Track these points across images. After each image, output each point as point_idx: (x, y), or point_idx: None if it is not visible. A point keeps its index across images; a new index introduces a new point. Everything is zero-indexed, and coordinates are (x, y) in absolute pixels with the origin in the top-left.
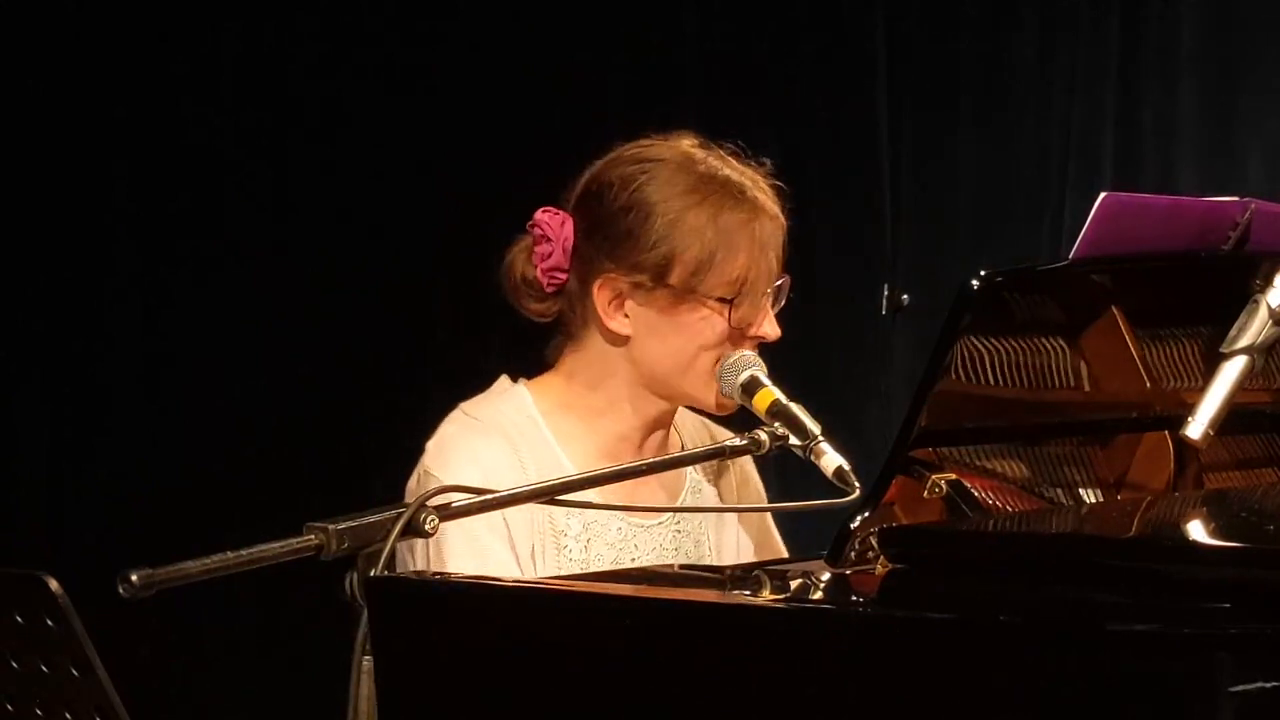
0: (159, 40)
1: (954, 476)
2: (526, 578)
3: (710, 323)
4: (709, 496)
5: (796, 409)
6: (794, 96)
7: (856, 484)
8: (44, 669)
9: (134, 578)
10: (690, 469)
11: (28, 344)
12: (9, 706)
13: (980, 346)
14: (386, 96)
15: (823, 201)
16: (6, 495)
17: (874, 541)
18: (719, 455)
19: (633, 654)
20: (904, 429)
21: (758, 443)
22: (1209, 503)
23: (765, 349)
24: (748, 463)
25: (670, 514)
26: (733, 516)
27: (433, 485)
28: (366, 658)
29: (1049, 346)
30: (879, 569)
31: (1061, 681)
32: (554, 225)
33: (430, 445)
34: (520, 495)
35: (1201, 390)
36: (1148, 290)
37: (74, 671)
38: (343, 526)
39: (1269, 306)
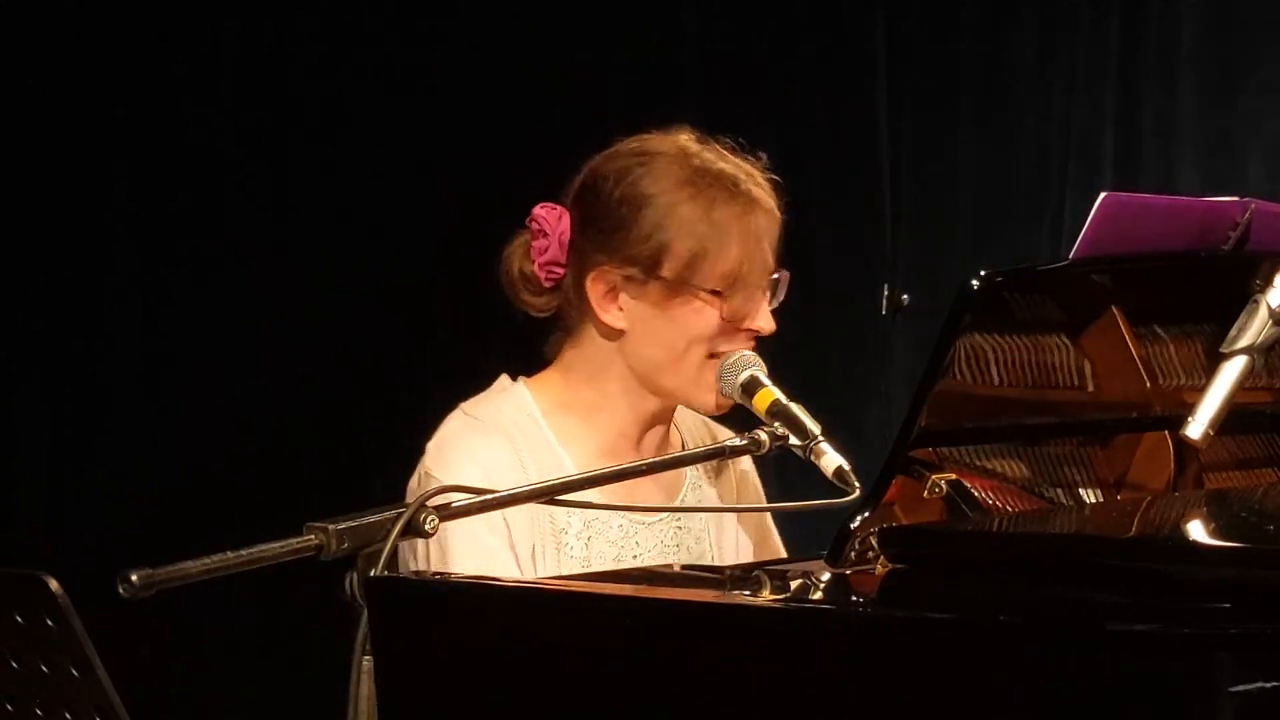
0: (159, 40)
1: (954, 476)
2: (527, 577)
3: (703, 315)
4: (709, 494)
5: (796, 409)
6: (794, 96)
7: (856, 484)
8: (44, 669)
9: (134, 578)
10: (690, 466)
11: (28, 344)
12: (9, 706)
13: (980, 346)
14: (386, 96)
15: (823, 201)
16: (6, 495)
17: (874, 541)
18: (719, 455)
19: (633, 654)
20: (904, 429)
21: (758, 443)
22: (1209, 503)
23: (765, 349)
24: (746, 461)
25: (671, 510)
26: (732, 515)
27: (433, 485)
28: (366, 658)
29: (1049, 346)
30: (879, 569)
31: (1061, 681)
32: (551, 220)
33: (430, 445)
34: (520, 495)
35: (1201, 390)
36: (1148, 290)
37: (74, 671)
38: (343, 526)
39: (1269, 306)
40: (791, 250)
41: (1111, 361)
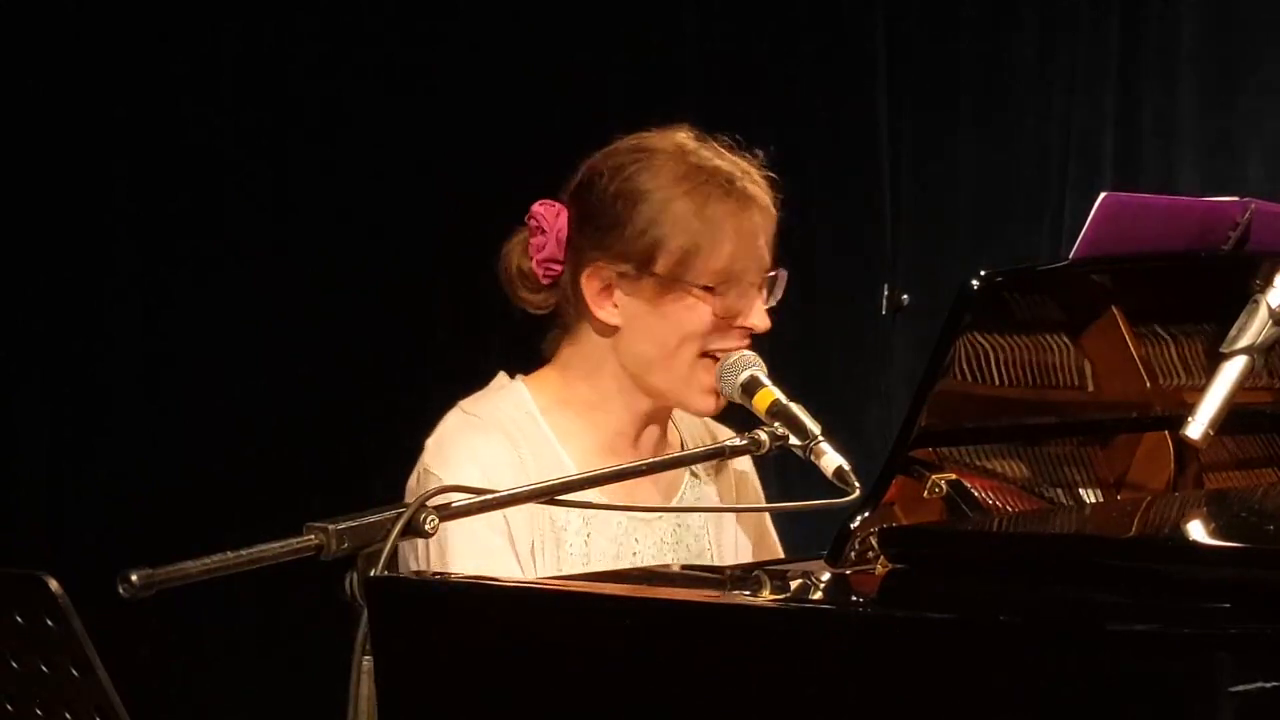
0: (159, 40)
1: (954, 476)
2: (527, 576)
3: (695, 312)
4: (708, 492)
5: (796, 409)
6: (794, 96)
7: (856, 484)
8: (44, 669)
9: (134, 578)
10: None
11: (28, 344)
12: (9, 706)
13: (980, 346)
14: (386, 96)
15: (823, 201)
16: (6, 495)
17: (874, 541)
18: (719, 455)
19: (633, 654)
20: (904, 429)
21: (758, 443)
22: (1209, 503)
23: (765, 349)
24: (745, 461)
25: (671, 510)
26: (731, 514)
27: (433, 483)
28: (366, 658)
29: (1049, 346)
30: (879, 569)
31: (1061, 681)
32: (549, 216)
33: (429, 443)
34: (520, 495)
35: (1201, 390)
36: (1148, 290)
37: (74, 671)
38: (343, 526)
39: (1269, 306)
40: (791, 250)
41: (1111, 361)
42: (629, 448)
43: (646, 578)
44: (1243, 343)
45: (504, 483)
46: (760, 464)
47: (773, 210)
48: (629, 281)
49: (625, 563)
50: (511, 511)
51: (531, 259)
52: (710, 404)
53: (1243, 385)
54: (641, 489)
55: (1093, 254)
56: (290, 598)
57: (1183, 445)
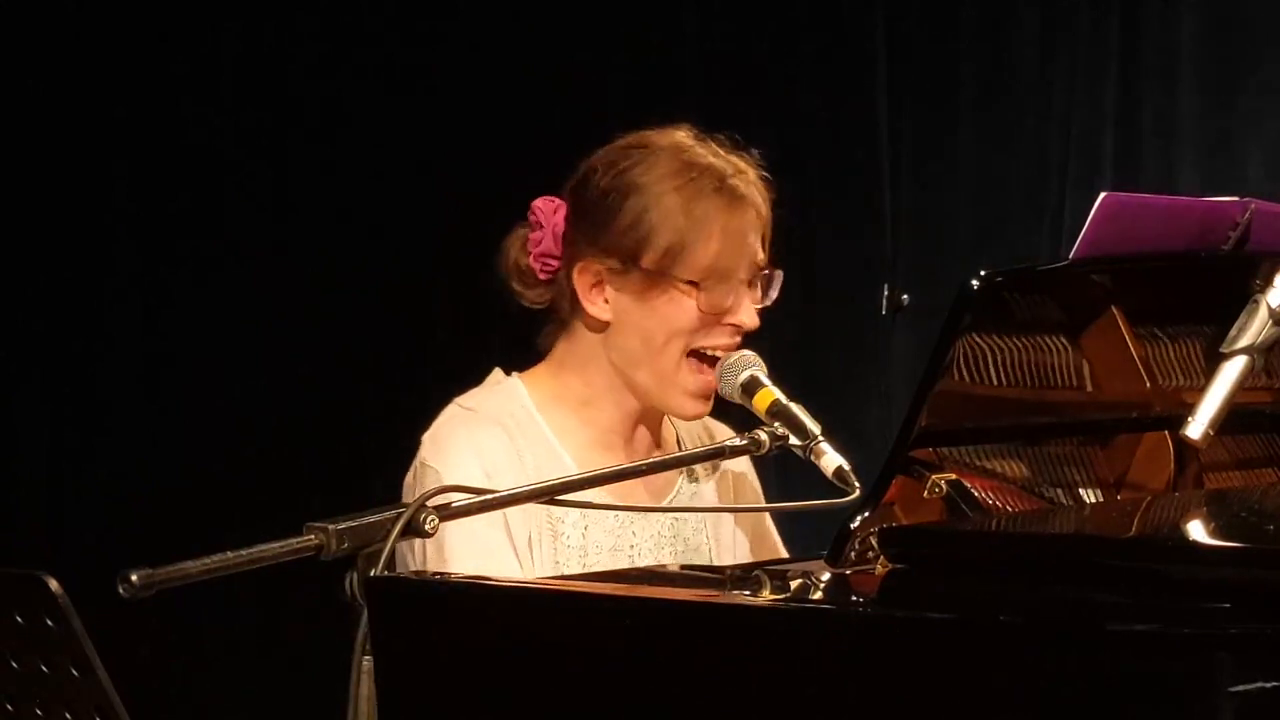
0: (159, 40)
1: (954, 476)
2: (524, 569)
3: (681, 306)
4: (704, 489)
5: (796, 409)
6: (794, 96)
7: (856, 484)
8: (44, 669)
9: (134, 578)
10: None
11: (28, 344)
12: (9, 706)
13: (980, 346)
14: (386, 96)
15: (823, 201)
16: (6, 495)
17: (874, 541)
18: (719, 455)
19: (633, 654)
20: (904, 429)
21: (758, 443)
22: (1209, 503)
23: (765, 349)
24: (744, 462)
25: (668, 501)
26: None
27: (430, 477)
28: (366, 658)
29: (1049, 346)
30: (879, 569)
31: (1061, 681)
32: (547, 212)
33: (426, 437)
34: (520, 495)
35: (1201, 390)
36: (1148, 290)
37: (74, 671)
38: (343, 526)
39: (1269, 306)
40: (791, 250)
41: (1111, 361)
42: (624, 445)
43: (646, 578)
44: (1243, 343)
45: (502, 475)
46: (760, 464)
47: (765, 209)
48: (618, 276)
49: (623, 556)
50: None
51: (529, 254)
52: (692, 408)
53: (1243, 385)
54: (634, 486)
55: (1093, 254)
56: (290, 598)
57: (1183, 445)
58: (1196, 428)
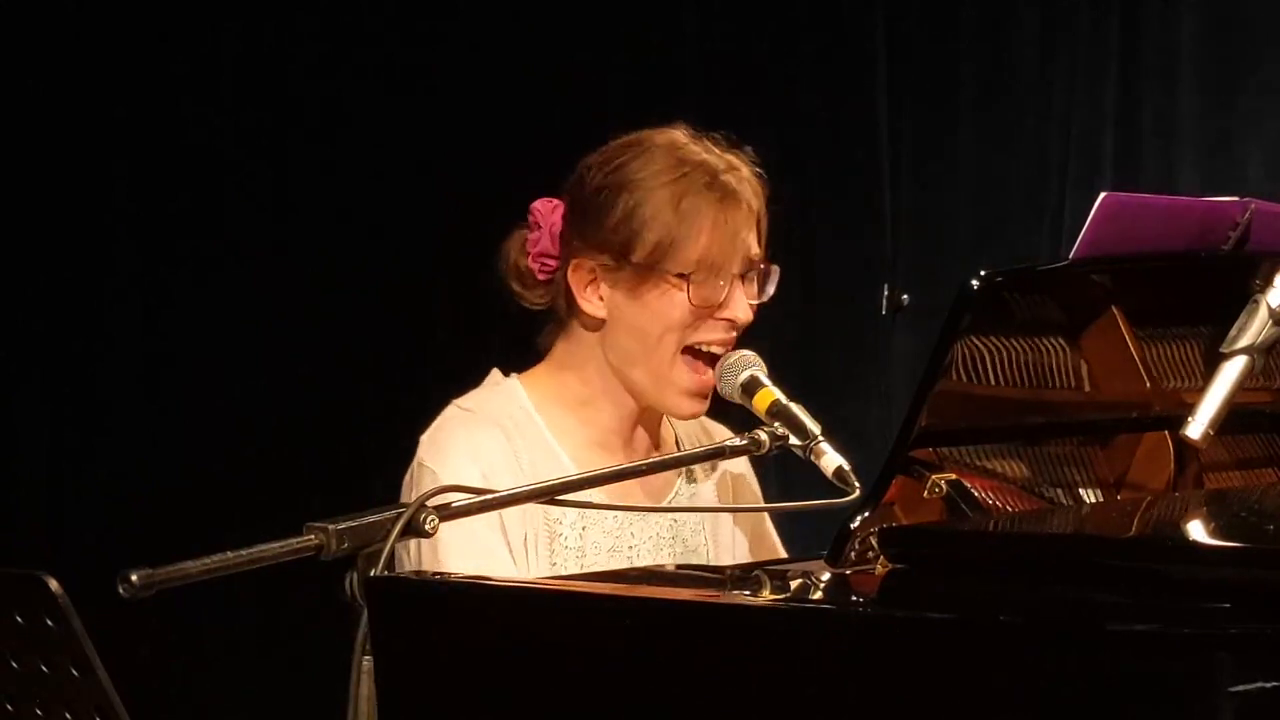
0: (159, 40)
1: (954, 476)
2: (520, 570)
3: (672, 300)
4: (703, 489)
5: (796, 409)
6: (794, 96)
7: (856, 484)
8: (44, 669)
9: (134, 578)
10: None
11: (28, 344)
12: (9, 706)
13: (980, 346)
14: (386, 96)
15: (823, 201)
16: (6, 495)
17: (874, 541)
18: (719, 455)
19: (633, 654)
20: (904, 429)
21: (758, 443)
22: (1209, 503)
23: (765, 349)
24: (742, 462)
25: (666, 502)
26: (728, 513)
27: (427, 478)
28: (366, 658)
29: (1049, 346)
30: (879, 569)
31: (1061, 681)
32: (545, 212)
33: (424, 438)
34: (520, 495)
35: (1201, 390)
36: (1148, 290)
37: (74, 671)
38: (343, 526)
39: (1269, 306)
40: (791, 250)
41: (1111, 362)
42: (623, 445)
43: (646, 578)
44: (1243, 343)
45: (499, 476)
46: (760, 464)
47: (758, 205)
48: (611, 272)
49: (621, 557)
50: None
51: (528, 254)
52: (688, 406)
53: (1243, 385)
54: (632, 487)
55: (1093, 254)
56: (290, 598)
57: (1183, 445)
58: (1196, 428)
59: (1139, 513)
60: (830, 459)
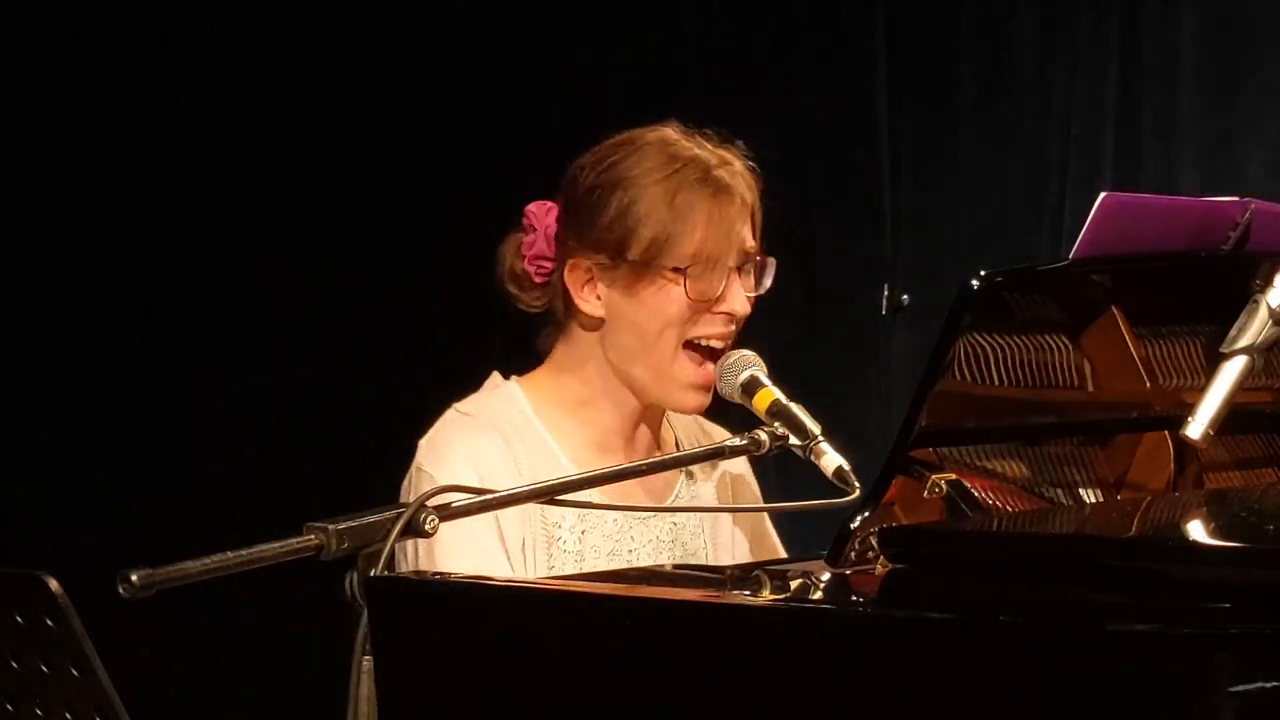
0: (159, 40)
1: (954, 476)
2: (517, 574)
3: (669, 295)
4: (703, 491)
5: (796, 409)
6: (794, 96)
7: (856, 484)
8: (44, 669)
9: (134, 578)
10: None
11: (28, 344)
12: (9, 706)
13: (980, 346)
14: (386, 96)
15: (823, 201)
16: (6, 495)
17: (874, 541)
18: (719, 455)
19: (633, 654)
20: (904, 429)
21: (758, 443)
22: (1209, 503)
23: (765, 349)
24: (742, 464)
25: (670, 510)
26: (728, 515)
27: (425, 482)
28: (366, 658)
29: (1049, 346)
30: (879, 569)
31: (1061, 681)
32: (539, 214)
33: (423, 442)
34: (520, 495)
35: (1201, 390)
36: (1148, 290)
37: (74, 671)
38: (343, 526)
39: (1269, 306)
40: (791, 250)
41: (1111, 361)
42: (623, 446)
43: (646, 578)
44: (1243, 343)
45: (497, 481)
46: (760, 464)
47: (750, 198)
48: (607, 271)
49: (620, 560)
50: (502, 509)
51: (524, 258)
52: (692, 400)
53: (1243, 385)
54: (634, 490)
55: (1093, 254)
56: (290, 598)
57: (1183, 445)
58: (1196, 428)
59: (1139, 513)
60: (830, 459)
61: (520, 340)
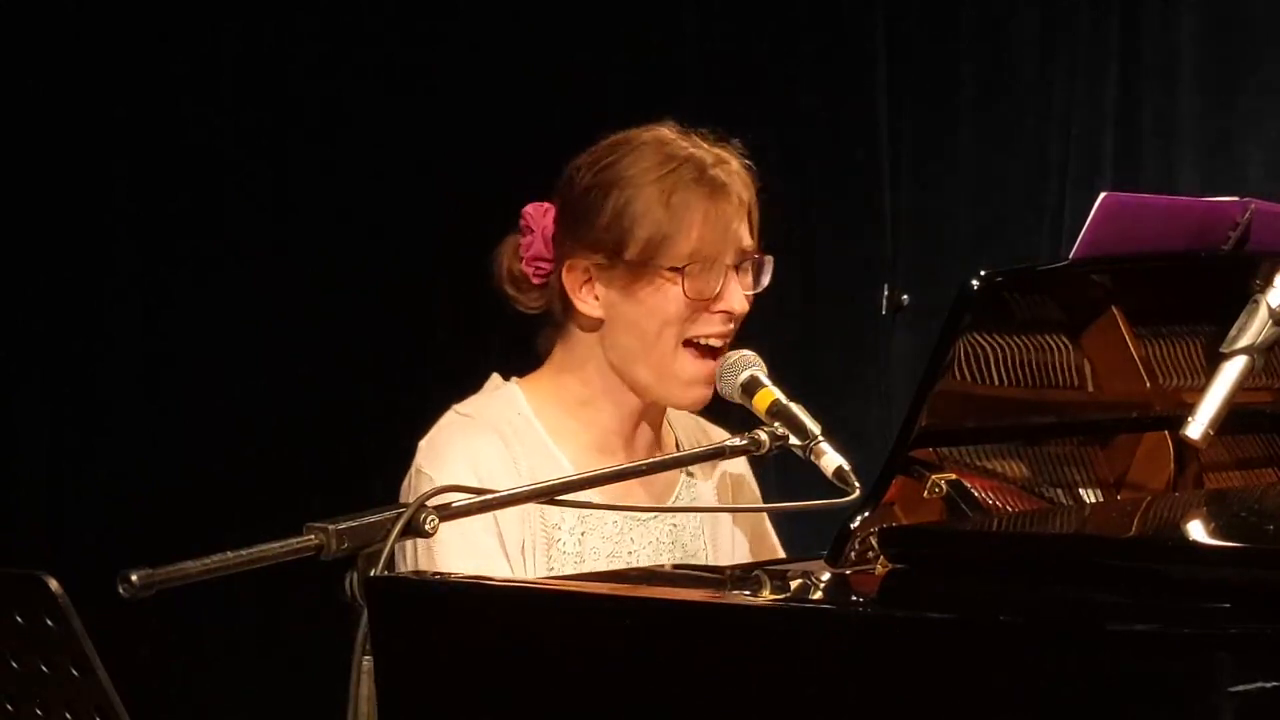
0: (159, 40)
1: (954, 476)
2: (522, 574)
3: (666, 295)
4: (703, 492)
5: (796, 409)
6: (794, 96)
7: (856, 484)
8: (44, 669)
9: (134, 578)
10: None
11: (28, 344)
12: (9, 706)
13: (980, 346)
14: (386, 96)
15: (823, 201)
16: (6, 495)
17: (874, 541)
18: (719, 455)
19: (633, 654)
20: (904, 429)
21: (758, 443)
22: (1209, 503)
23: (765, 349)
24: (742, 465)
25: (670, 510)
26: (727, 517)
27: (425, 483)
28: (366, 658)
29: (1049, 346)
30: (879, 569)
31: (1061, 681)
32: (536, 216)
33: (423, 443)
34: (519, 495)
35: (1201, 390)
36: (1148, 290)
37: (74, 671)
38: (343, 526)
39: (1269, 306)
40: (791, 250)
41: (1111, 361)
42: (623, 447)
43: (646, 578)
44: (1243, 343)
45: (497, 482)
46: (760, 464)
47: (747, 196)
48: (605, 271)
49: (620, 563)
50: (502, 510)
51: (521, 259)
52: (694, 395)
53: (1243, 385)
54: (634, 491)
55: (1093, 254)
56: (290, 598)
57: (1183, 445)
58: (1196, 428)
59: (1139, 513)
60: (830, 459)
61: (520, 341)
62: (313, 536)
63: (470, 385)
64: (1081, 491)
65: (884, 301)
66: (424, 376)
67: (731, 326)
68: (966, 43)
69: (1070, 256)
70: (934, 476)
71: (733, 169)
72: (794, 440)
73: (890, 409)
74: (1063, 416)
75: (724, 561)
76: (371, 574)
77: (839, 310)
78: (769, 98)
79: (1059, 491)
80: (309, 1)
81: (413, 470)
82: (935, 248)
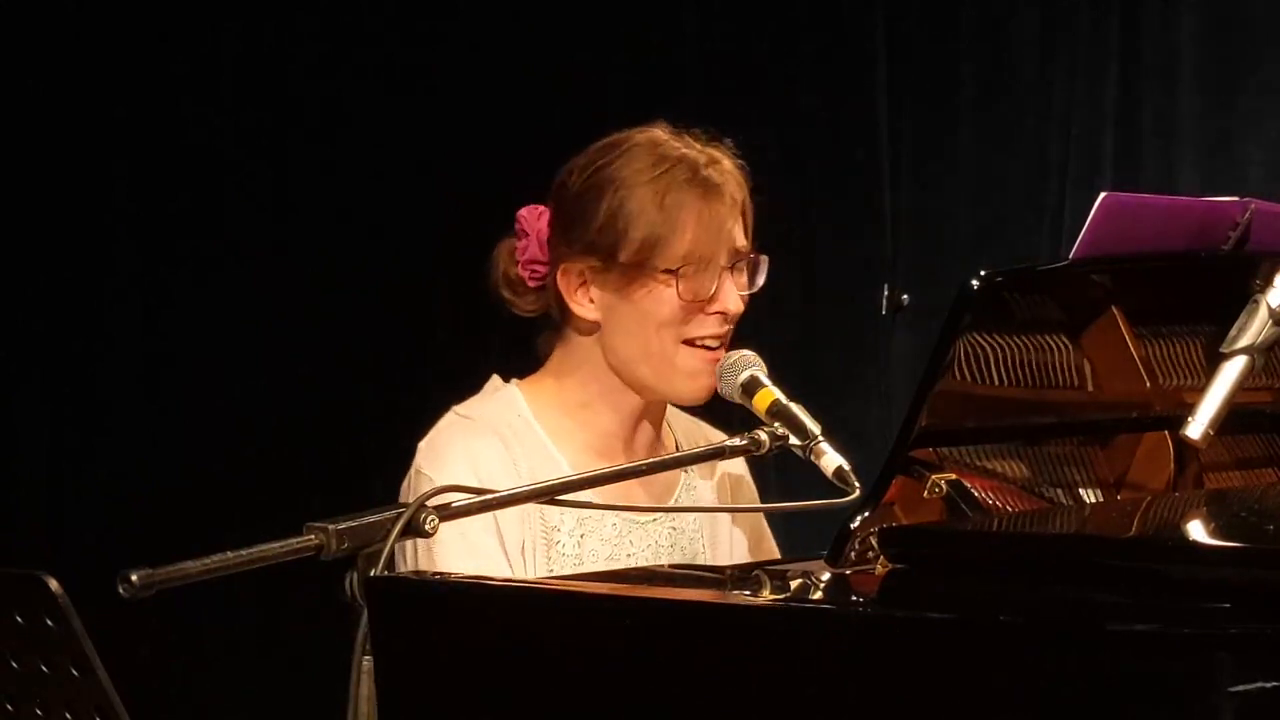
0: (159, 40)
1: (954, 476)
2: (521, 575)
3: (661, 297)
4: (703, 494)
5: (796, 409)
6: (794, 96)
7: (856, 484)
8: (44, 669)
9: (134, 578)
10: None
11: (28, 344)
12: (9, 706)
13: (980, 346)
14: (386, 96)
15: (823, 201)
16: (6, 495)
17: (874, 541)
18: (719, 455)
19: (632, 654)
20: (904, 429)
21: (758, 443)
22: (1209, 503)
23: (765, 349)
24: (741, 465)
25: (670, 510)
26: (726, 517)
27: (424, 484)
28: (366, 658)
29: (1049, 346)
30: (879, 569)
31: (1061, 681)
32: (531, 219)
33: (422, 445)
34: (520, 495)
35: (1201, 390)
36: (1148, 290)
37: (74, 671)
38: (343, 526)
39: (1269, 306)
40: (791, 250)
41: (1111, 361)
42: (623, 448)
43: (646, 578)
44: (1243, 343)
45: (496, 484)
46: (760, 464)
47: (740, 196)
48: (599, 274)
49: (619, 565)
50: (502, 510)
51: (517, 263)
52: (698, 386)
53: (1243, 385)
54: (634, 492)
55: (1093, 254)
56: (290, 598)
57: (1183, 445)
58: (1196, 428)
59: (1139, 513)
60: (830, 459)
61: (520, 341)
62: (313, 536)
63: (470, 386)
64: (1081, 491)
65: (884, 301)
66: (424, 377)
67: (728, 327)
68: (966, 43)
69: (1070, 256)
70: (934, 476)
71: (726, 169)
72: (794, 440)
73: (890, 409)
74: (1063, 416)
75: (723, 562)
76: (371, 574)
77: (839, 310)
78: (769, 98)
79: (1059, 491)
80: (309, 1)
81: (412, 471)
82: (935, 248)
